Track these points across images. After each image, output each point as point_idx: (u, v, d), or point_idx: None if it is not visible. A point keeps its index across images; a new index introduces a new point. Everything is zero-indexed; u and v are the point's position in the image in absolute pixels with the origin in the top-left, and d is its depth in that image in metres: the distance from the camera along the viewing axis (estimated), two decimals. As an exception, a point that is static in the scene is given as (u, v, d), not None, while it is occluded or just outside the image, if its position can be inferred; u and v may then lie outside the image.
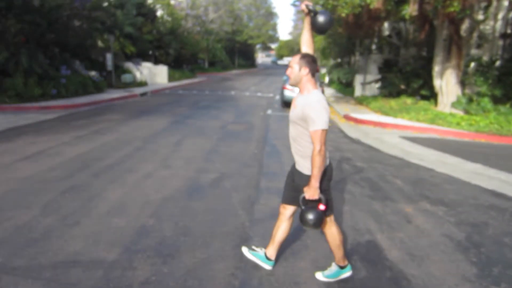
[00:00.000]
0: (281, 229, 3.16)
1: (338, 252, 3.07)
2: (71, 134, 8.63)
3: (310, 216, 2.77)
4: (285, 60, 74.17)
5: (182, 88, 23.20)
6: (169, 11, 28.63)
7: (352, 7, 10.76)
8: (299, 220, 2.85)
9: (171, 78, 25.95)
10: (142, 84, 21.86)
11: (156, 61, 27.79)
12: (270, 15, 54.49)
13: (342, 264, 3.12)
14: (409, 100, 13.88)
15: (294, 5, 60.42)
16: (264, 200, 4.91)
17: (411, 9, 10.89)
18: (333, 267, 3.15)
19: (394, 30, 17.55)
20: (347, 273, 3.15)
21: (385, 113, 12.48)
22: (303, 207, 2.83)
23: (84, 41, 17.15)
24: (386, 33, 18.30)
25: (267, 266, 3.24)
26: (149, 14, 26.30)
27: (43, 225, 3.97)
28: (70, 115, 11.66)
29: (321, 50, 26.71)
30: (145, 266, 3.28)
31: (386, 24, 17.57)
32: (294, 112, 2.88)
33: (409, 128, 10.48)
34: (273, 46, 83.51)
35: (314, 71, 2.84)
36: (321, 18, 2.92)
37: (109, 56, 19.35)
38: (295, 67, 2.83)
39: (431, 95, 13.44)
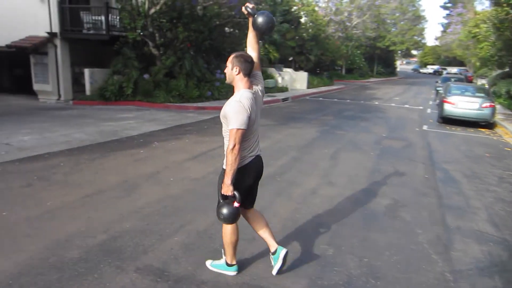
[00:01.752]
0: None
1: (228, 251, 3.13)
2: (228, 137, 8.93)
3: (223, 211, 2.87)
4: (429, 69, 67.62)
5: (322, 95, 22.86)
6: (313, 17, 28.62)
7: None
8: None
9: (309, 84, 25.88)
10: (283, 89, 22.22)
11: (296, 67, 28.09)
12: (417, 19, 50.29)
13: (228, 262, 3.18)
14: None
15: (445, 7, 54.77)
16: (460, 245, 4.05)
17: None
18: (222, 261, 3.24)
19: None
20: (230, 272, 3.19)
21: None
22: (220, 201, 2.90)
23: (237, 46, 18.13)
24: None
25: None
26: (293, 20, 26.73)
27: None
28: (223, 117, 12.28)
29: (487, 57, 23.22)
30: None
31: None
32: (222, 110, 2.90)
33: None
34: (415, 52, 77.33)
35: (247, 71, 2.85)
36: (259, 19, 2.89)
37: (255, 61, 20.15)
38: (229, 66, 2.88)
39: None
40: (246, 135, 2.81)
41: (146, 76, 14.28)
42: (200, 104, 14.13)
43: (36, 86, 15.22)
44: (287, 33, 24.89)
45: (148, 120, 11.03)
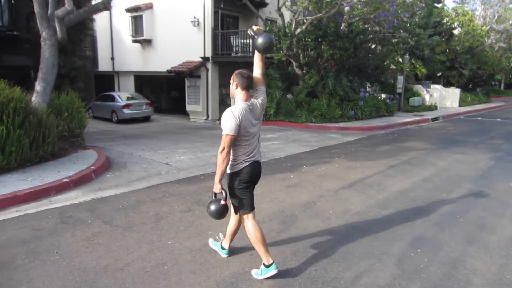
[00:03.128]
0: (230, 223, 3.56)
1: (258, 249, 3.30)
2: (382, 162, 7.93)
3: (211, 207, 3.15)
4: None
5: (479, 114, 19.72)
6: (469, 28, 25.24)
7: None
8: None
9: (461, 101, 22.71)
10: (432, 108, 19.86)
11: (446, 83, 25.06)
12: None
13: (265, 263, 3.28)
14: None
15: None
16: None
17: None
18: (262, 266, 3.32)
19: None
20: (271, 272, 3.25)
21: None
22: (212, 198, 3.17)
23: (382, 63, 16.90)
24: None
25: (223, 255, 3.66)
26: (444, 32, 24.00)
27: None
28: (370, 138, 11.27)
29: None
30: None
31: None
32: None
33: None
34: None
35: (244, 85, 3.16)
36: (259, 40, 3.23)
37: (400, 79, 18.49)
38: (231, 82, 3.24)
39: None
40: (239, 141, 3.15)
41: (289, 96, 14.21)
42: (342, 124, 13.36)
43: (188, 107, 16.64)
44: (437, 46, 22.39)
45: (291, 141, 10.74)
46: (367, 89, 16.79)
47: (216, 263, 3.58)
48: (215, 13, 15.61)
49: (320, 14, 13.28)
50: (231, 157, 3.17)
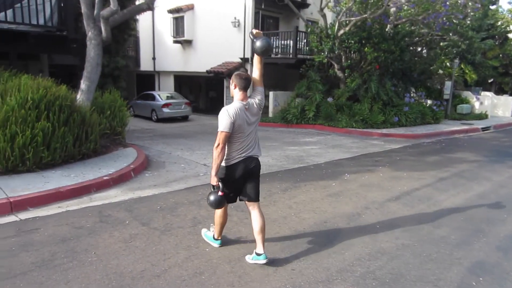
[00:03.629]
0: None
1: (215, 226, 3.84)
2: (431, 174, 7.42)
3: (210, 197, 3.41)
4: None
5: (537, 124, 18.34)
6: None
7: None
8: None
9: (515, 110, 21.23)
10: (482, 116, 18.67)
11: (497, 90, 23.58)
12: None
13: (215, 236, 3.90)
14: None
15: None
16: None
17: None
18: (210, 234, 3.98)
19: None
20: (214, 244, 3.89)
21: None
22: (211, 190, 3.44)
23: (428, 67, 16.10)
24: None
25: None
26: (498, 36, 22.58)
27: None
28: (415, 147, 10.68)
29: None
30: None
31: None
32: None
33: None
34: None
35: (241, 86, 3.40)
36: (257, 43, 3.48)
37: (448, 84, 17.52)
38: (231, 82, 3.50)
39: None
40: (233, 138, 3.38)
41: (330, 99, 13.81)
42: (385, 131, 12.79)
43: (226, 107, 16.62)
44: (490, 50, 21.09)
45: (331, 146, 10.38)
46: (412, 95, 16.03)
47: (256, 277, 3.37)
48: (256, 13, 15.49)
49: (365, 15, 12.80)
50: (226, 152, 3.40)
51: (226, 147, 3.38)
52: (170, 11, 18.19)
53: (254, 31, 3.57)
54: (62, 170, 6.17)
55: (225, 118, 3.28)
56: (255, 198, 3.57)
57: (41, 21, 8.81)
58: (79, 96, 7.67)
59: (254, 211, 3.58)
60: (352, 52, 13.86)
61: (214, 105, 18.97)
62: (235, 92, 3.44)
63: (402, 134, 12.40)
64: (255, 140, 3.55)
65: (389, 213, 5.10)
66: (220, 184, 3.37)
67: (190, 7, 17.64)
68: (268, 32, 15.82)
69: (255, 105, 3.46)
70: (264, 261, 3.48)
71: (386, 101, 13.82)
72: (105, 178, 5.89)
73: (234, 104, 3.38)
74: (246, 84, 3.41)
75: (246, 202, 3.60)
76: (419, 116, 14.38)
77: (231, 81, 3.48)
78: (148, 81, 21.17)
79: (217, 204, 3.41)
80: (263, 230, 3.53)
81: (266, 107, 16.40)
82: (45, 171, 6.07)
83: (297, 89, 14.39)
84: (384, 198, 5.73)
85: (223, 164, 3.42)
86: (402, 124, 13.76)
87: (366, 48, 13.31)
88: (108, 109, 8.25)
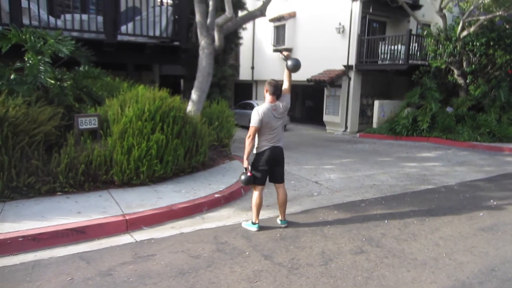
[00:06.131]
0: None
1: (253, 210, 4.52)
2: None
3: (242, 177, 4.34)
4: None
5: None
6: None
7: None
8: None
9: None
10: None
11: None
12: None
13: (253, 221, 4.53)
14: None
15: None
16: None
17: None
18: (250, 220, 4.60)
19: None
20: (253, 228, 4.50)
21: None
22: (243, 171, 4.38)
23: None
24: None
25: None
26: None
27: None
28: None
29: None
30: None
31: None
32: None
33: None
34: None
35: (272, 91, 4.32)
36: (289, 62, 4.41)
37: None
38: (265, 87, 4.42)
39: None
40: (262, 131, 4.31)
41: (449, 109, 12.18)
42: (521, 146, 10.80)
43: (326, 118, 15.78)
44: None
45: (456, 163, 8.95)
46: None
47: None
48: (362, 18, 14.46)
49: (498, 13, 10.99)
50: (256, 141, 4.35)
51: (257, 138, 4.34)
52: (272, 20, 18.08)
53: (285, 53, 4.57)
54: (173, 185, 5.99)
55: (255, 115, 4.24)
56: (281, 180, 4.58)
57: (157, 33, 9.06)
58: (190, 107, 7.57)
59: (279, 189, 4.59)
60: (476, 56, 12.05)
61: (311, 114, 18.29)
62: (266, 96, 4.38)
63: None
64: (281, 133, 4.46)
65: None
66: (249, 166, 4.34)
67: (292, 15, 17.30)
68: (375, 37, 14.66)
69: (281, 106, 4.37)
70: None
71: (521, 111, 11.74)
72: (216, 195, 5.54)
73: (264, 105, 4.33)
74: (275, 90, 4.32)
75: (275, 184, 4.59)
76: None
77: (265, 86, 4.38)
78: (245, 90, 21.31)
79: (248, 182, 4.32)
80: (285, 203, 4.62)
81: (368, 117, 15.20)
82: (157, 185, 5.95)
83: (408, 97, 13.00)
84: (559, 240, 4.42)
85: (254, 151, 4.39)
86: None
87: (497, 51, 11.44)
88: (216, 119, 8.07)
